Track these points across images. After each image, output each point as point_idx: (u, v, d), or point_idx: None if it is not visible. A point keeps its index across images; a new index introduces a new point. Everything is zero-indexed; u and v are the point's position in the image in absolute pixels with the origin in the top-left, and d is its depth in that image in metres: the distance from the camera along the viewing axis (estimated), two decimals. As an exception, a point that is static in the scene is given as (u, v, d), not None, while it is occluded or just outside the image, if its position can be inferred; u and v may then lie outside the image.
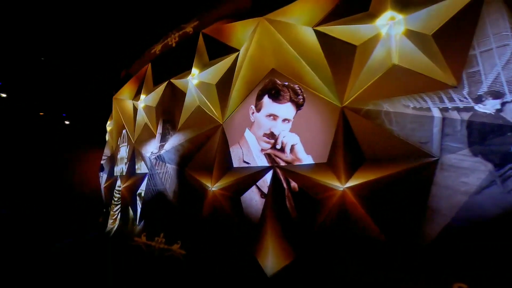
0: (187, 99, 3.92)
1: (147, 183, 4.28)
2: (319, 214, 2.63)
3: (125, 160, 5.44)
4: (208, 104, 3.63)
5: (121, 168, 5.66)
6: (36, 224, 7.35)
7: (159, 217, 4.10)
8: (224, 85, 3.62)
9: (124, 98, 5.58)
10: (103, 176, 6.83)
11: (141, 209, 4.48)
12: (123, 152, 5.67)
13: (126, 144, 5.55)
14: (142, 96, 4.84)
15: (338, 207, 2.53)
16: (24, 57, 7.73)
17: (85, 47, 6.89)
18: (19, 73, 8.51)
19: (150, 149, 4.37)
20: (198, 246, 3.41)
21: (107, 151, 7.02)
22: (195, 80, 3.78)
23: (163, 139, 4.10)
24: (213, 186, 3.27)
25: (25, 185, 9.53)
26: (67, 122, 12.27)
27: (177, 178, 3.84)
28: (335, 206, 2.54)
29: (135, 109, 5.25)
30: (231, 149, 3.36)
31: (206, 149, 3.62)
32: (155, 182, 4.13)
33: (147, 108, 4.77)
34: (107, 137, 7.80)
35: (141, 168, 4.82)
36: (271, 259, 2.79)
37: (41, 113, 11.73)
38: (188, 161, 3.80)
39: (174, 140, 3.91)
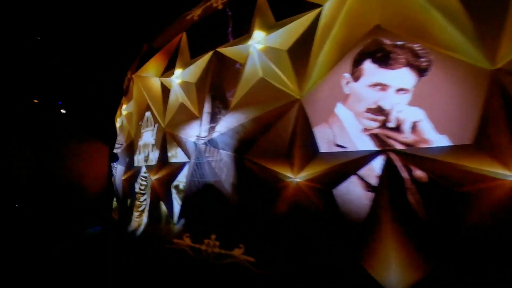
0: (247, 70, 3.17)
1: (190, 174, 3.52)
2: (470, 213, 1.94)
3: (151, 147, 4.66)
4: (280, 74, 2.89)
5: (144, 156, 4.86)
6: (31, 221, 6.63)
7: (208, 214, 3.37)
8: (299, 50, 2.89)
9: (149, 76, 4.76)
10: (118, 167, 6.01)
11: (181, 205, 3.74)
12: (147, 137, 4.90)
13: (152, 128, 4.77)
14: (177, 71, 4.06)
15: (505, 202, 1.84)
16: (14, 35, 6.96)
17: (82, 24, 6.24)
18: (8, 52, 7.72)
19: (193, 132, 3.62)
20: (272, 251, 2.70)
21: (121, 139, 6.20)
22: (259, 46, 3.01)
23: (214, 119, 3.35)
24: (297, 176, 2.54)
25: (18, 179, 8.66)
26: (63, 111, 11.46)
27: (236, 167, 3.12)
28: (498, 201, 1.85)
29: (165, 88, 4.46)
30: (315, 130, 2.65)
31: (277, 131, 2.90)
32: (203, 173, 3.39)
33: (184, 85, 3.99)
34: (120, 123, 6.97)
35: (177, 155, 4.07)
36: (395, 272, 2.12)
37: (35, 101, 10.91)
38: (249, 145, 3.08)
39: (231, 120, 3.17)
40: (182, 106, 4.12)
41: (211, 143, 3.31)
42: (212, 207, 3.37)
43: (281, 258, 2.66)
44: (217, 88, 3.53)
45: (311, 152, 2.66)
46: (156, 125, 4.81)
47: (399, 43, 2.36)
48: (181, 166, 3.91)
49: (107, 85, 9.45)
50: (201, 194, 3.50)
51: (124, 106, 6.04)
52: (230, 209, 3.14)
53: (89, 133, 11.08)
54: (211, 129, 3.36)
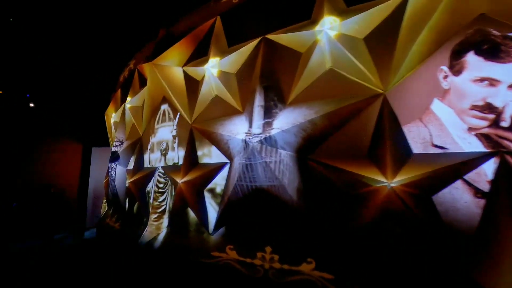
0: (313, 59, 2.80)
1: (237, 177, 3.07)
2: None
3: (170, 145, 4.11)
4: (358, 65, 2.56)
5: (160, 155, 4.29)
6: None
7: (259, 223, 2.93)
8: (379, 39, 2.59)
9: (169, 65, 4.21)
10: (117, 168, 5.32)
11: (220, 211, 3.26)
12: (164, 134, 4.32)
13: (172, 124, 4.21)
14: (213, 60, 3.59)
15: None
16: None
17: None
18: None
19: (237, 129, 3.18)
20: (355, 266, 2.35)
21: (120, 135, 5.50)
22: (332, 32, 2.67)
23: (269, 114, 2.93)
24: (392, 181, 2.23)
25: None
26: (31, 105, 10.46)
27: (300, 169, 2.72)
28: None
29: (191, 79, 3.95)
30: (406, 128, 2.34)
31: (353, 129, 2.57)
32: (254, 176, 2.95)
33: (222, 75, 3.52)
34: (116, 118, 6.24)
35: (211, 155, 3.59)
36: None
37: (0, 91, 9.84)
38: (315, 145, 2.71)
39: (294, 116, 2.78)
40: (217, 100, 3.65)
41: (268, 141, 2.88)
42: (266, 215, 2.93)
43: (369, 274, 2.31)
44: (270, 79, 3.10)
45: (402, 153, 2.35)
46: (176, 120, 4.25)
47: (510, 34, 2.13)
48: (219, 167, 3.43)
49: (80, 80, 8.80)
50: (251, 200, 3.05)
51: (128, 99, 5.35)
52: (293, 217, 2.72)
53: (61, 129, 10.27)
54: (267, 125, 2.94)
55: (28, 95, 10.42)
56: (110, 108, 7.40)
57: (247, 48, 3.39)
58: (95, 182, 10.26)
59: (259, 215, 3.01)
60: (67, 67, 8.91)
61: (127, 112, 5.47)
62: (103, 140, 11.86)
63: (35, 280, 3.95)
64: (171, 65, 4.30)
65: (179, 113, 4.27)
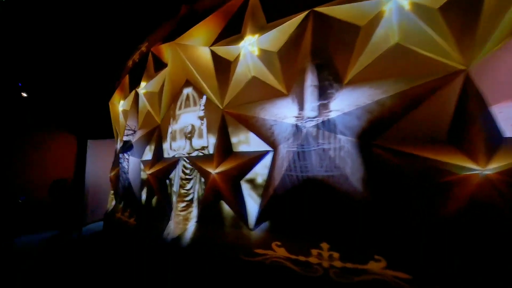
0: (377, 34, 2.48)
1: (286, 166, 2.75)
2: None
3: (200, 127, 3.77)
4: (434, 37, 2.25)
5: (184, 144, 3.94)
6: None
7: (312, 217, 2.64)
8: (457, 9, 2.28)
9: (194, 44, 3.82)
10: (131, 159, 4.94)
11: (264, 204, 2.95)
12: (188, 120, 3.96)
13: (198, 109, 3.85)
14: (250, 38, 3.22)
15: None
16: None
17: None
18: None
19: (283, 112, 2.85)
20: (438, 264, 2.08)
21: (132, 124, 5.11)
22: (402, 1, 2.35)
23: (324, 95, 2.61)
24: (486, 168, 1.95)
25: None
26: (24, 95, 10.02)
27: (363, 157, 2.42)
28: None
29: (221, 59, 3.61)
30: (496, 109, 2.06)
31: (429, 110, 2.27)
32: (306, 165, 2.64)
33: (262, 55, 3.17)
34: (124, 106, 5.82)
35: (249, 142, 3.27)
36: None
37: None
38: (382, 129, 2.40)
39: (355, 97, 2.48)
40: (255, 81, 3.31)
41: (326, 125, 2.57)
42: (320, 208, 2.63)
43: (454, 273, 2.04)
44: (322, 57, 2.77)
45: (492, 137, 2.07)
46: (203, 101, 3.89)
47: None
48: (260, 155, 3.11)
49: (75, 69, 8.47)
50: (302, 191, 2.75)
51: (143, 84, 4.94)
52: (356, 210, 2.43)
53: (54, 121, 9.90)
54: (323, 107, 2.62)
55: (20, 84, 9.95)
56: (116, 96, 6.96)
57: (292, 23, 3.04)
58: (91, 177, 9.84)
59: (312, 208, 2.71)
60: (60, 55, 8.53)
61: (141, 98, 5.06)
62: (100, 132, 11.41)
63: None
64: (197, 44, 3.90)
65: (204, 96, 3.90)
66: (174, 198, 4.09)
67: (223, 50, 3.69)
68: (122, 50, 8.67)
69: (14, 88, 9.64)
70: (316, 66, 2.80)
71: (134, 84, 5.82)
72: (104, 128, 11.26)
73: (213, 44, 3.86)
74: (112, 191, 7.10)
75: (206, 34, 3.92)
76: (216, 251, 3.31)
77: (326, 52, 2.83)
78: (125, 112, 6.20)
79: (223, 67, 3.70)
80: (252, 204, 3.20)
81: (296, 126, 2.77)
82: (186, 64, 4.02)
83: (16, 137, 8.78)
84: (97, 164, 11.67)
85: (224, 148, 3.48)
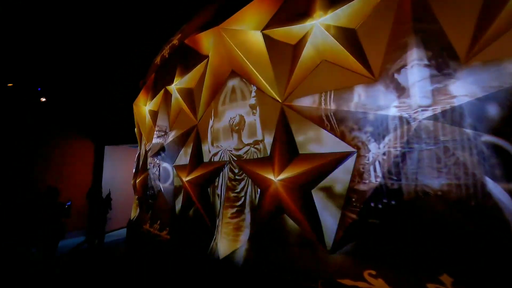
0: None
1: (380, 172, 2.08)
2: None
3: (250, 126, 3.15)
4: None
5: (230, 138, 3.34)
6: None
7: (422, 239, 1.94)
8: None
9: (244, 29, 3.24)
10: (163, 165, 4.37)
11: (350, 221, 2.27)
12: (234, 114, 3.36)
13: (249, 102, 3.24)
14: (322, 15, 2.59)
15: None
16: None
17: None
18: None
19: (380, 102, 2.19)
20: None
21: (163, 124, 4.56)
22: None
23: (438, 76, 1.94)
24: None
25: None
26: (43, 99, 9.81)
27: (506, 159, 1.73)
28: None
29: (279, 44, 2.99)
30: None
31: None
32: (415, 170, 1.98)
33: (339, 33, 2.54)
34: (152, 106, 5.31)
35: (321, 141, 2.61)
36: None
37: (10, 84, 9.18)
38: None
39: (490, 77, 1.78)
40: (326, 67, 2.66)
41: (447, 116, 1.89)
42: (437, 227, 1.94)
43: None
44: (428, 27, 2.10)
45: None
46: (253, 92, 3.29)
47: None
48: (339, 158, 2.44)
49: (93, 74, 8.23)
50: (409, 206, 2.05)
51: (178, 80, 4.40)
52: (490, 232, 1.72)
53: (74, 127, 9.73)
54: (439, 92, 1.93)
55: (39, 88, 9.80)
56: (142, 96, 6.48)
57: (376, -6, 2.39)
58: (108, 183, 9.52)
59: (424, 228, 2.01)
60: (79, 61, 8.34)
61: (175, 96, 4.51)
62: (117, 137, 11.12)
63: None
64: (246, 29, 3.32)
65: (254, 88, 3.30)
66: (220, 206, 3.47)
67: (281, 33, 3.09)
68: (142, 49, 8.30)
69: (33, 93, 9.48)
70: (422, 40, 2.13)
71: (163, 81, 5.32)
72: (120, 133, 10.97)
73: (266, 28, 3.27)
74: (136, 199, 6.58)
75: (256, 17, 3.35)
76: (278, 277, 2.65)
77: (433, 21, 2.17)
78: (152, 113, 5.70)
79: (281, 53, 3.11)
80: (329, 219, 2.54)
81: (400, 118, 2.10)
82: (233, 52, 3.45)
83: (31, 142, 8.53)
84: (113, 170, 11.40)
85: (287, 149, 2.84)
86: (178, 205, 4.44)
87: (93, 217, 6.61)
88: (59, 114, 9.79)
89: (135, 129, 8.08)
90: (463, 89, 1.96)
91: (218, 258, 3.23)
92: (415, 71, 2.12)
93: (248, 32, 3.36)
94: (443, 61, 2.09)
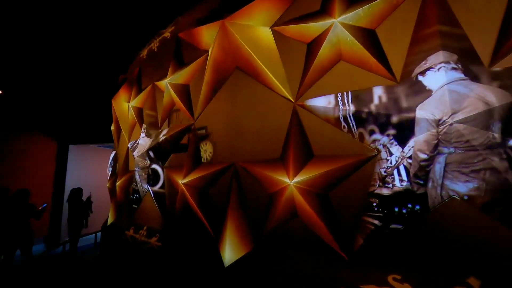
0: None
1: (408, 172, 2.10)
2: None
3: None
4: None
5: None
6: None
7: (447, 240, 1.99)
8: None
9: (252, 25, 3.15)
10: (150, 166, 4.13)
11: (377, 225, 2.26)
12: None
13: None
14: (342, 14, 2.58)
15: None
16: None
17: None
18: None
19: (404, 104, 2.21)
20: None
21: (152, 121, 4.32)
22: None
23: (473, 77, 2.00)
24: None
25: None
26: None
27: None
28: None
29: (288, 42, 2.94)
30: None
31: None
32: (444, 171, 2.00)
33: (359, 33, 2.54)
34: (137, 103, 4.99)
35: (342, 144, 2.59)
36: None
37: None
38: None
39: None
40: (342, 67, 2.65)
41: (476, 120, 1.93)
42: (463, 227, 1.98)
43: None
44: (451, 31, 2.16)
45: None
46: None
47: None
48: (358, 161, 2.41)
49: (57, 67, 7.72)
50: (433, 210, 2.07)
51: (172, 75, 4.15)
52: None
53: (34, 124, 9.11)
54: (468, 96, 1.98)
55: None
56: (123, 92, 6.06)
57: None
58: (72, 185, 8.93)
59: (449, 232, 2.03)
60: (40, 52, 7.68)
61: (168, 91, 4.24)
62: (83, 136, 10.45)
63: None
64: (256, 25, 3.20)
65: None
66: (224, 210, 3.29)
67: (293, 30, 3.01)
68: (115, 41, 7.81)
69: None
70: (447, 43, 2.17)
71: (151, 76, 5.00)
72: (86, 131, 10.33)
73: (276, 24, 3.18)
74: (113, 204, 6.11)
75: (265, 12, 3.25)
76: (293, 286, 2.55)
77: (456, 25, 2.21)
78: (137, 110, 5.33)
79: (293, 52, 3.03)
80: (348, 224, 2.48)
81: (428, 121, 2.11)
82: (239, 48, 3.31)
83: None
84: (78, 171, 10.74)
85: (302, 151, 2.75)
86: (171, 210, 4.15)
87: (73, 221, 6.40)
88: (17, 109, 8.96)
89: (112, 127, 7.56)
90: (490, 93, 2.00)
91: (223, 266, 3.04)
92: (442, 74, 2.14)
93: (256, 27, 3.24)
94: (469, 65, 2.13)
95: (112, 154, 8.52)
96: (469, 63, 2.14)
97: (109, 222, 6.10)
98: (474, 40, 2.18)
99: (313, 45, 2.88)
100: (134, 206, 5.01)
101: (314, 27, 2.88)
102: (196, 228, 3.67)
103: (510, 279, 1.88)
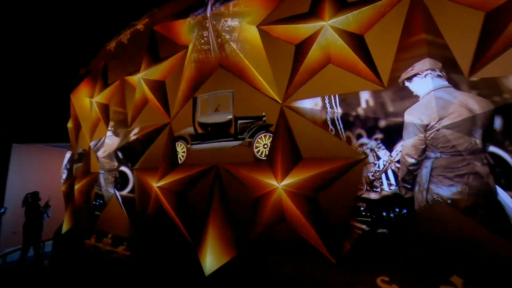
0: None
1: (395, 177, 2.20)
2: None
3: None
4: None
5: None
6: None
7: (432, 241, 2.12)
8: None
9: (237, 21, 3.10)
10: (119, 168, 3.89)
11: (365, 230, 2.33)
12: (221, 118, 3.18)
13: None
14: (332, 17, 2.64)
15: None
16: None
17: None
18: None
19: (399, 108, 2.32)
20: None
21: (120, 118, 4.05)
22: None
23: (456, 85, 2.16)
24: None
25: None
26: None
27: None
28: None
29: (275, 42, 2.94)
30: None
31: None
32: (435, 175, 2.13)
33: (349, 38, 2.62)
34: (101, 98, 4.64)
35: (329, 147, 2.63)
36: None
37: None
38: None
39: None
40: (330, 70, 2.69)
41: (461, 126, 2.07)
42: (449, 233, 2.11)
43: None
44: (435, 40, 2.31)
45: None
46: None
47: None
48: (346, 164, 2.46)
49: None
50: (419, 213, 2.17)
51: (145, 71, 3.89)
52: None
53: None
54: (452, 103, 2.12)
55: None
56: (84, 86, 5.57)
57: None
58: (15, 189, 8.11)
59: (434, 234, 2.14)
60: None
61: (141, 87, 3.96)
62: (28, 134, 9.68)
63: None
64: (241, 22, 3.13)
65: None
66: (205, 215, 3.12)
67: (281, 30, 2.99)
68: (74, 31, 7.24)
69: None
70: (433, 52, 2.29)
71: (120, 70, 4.65)
72: (32, 129, 9.52)
73: (262, 23, 3.13)
74: (69, 209, 5.54)
75: (252, 10, 3.17)
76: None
77: (438, 35, 2.36)
78: (102, 106, 4.91)
79: (280, 52, 3.01)
80: (336, 227, 2.49)
81: (416, 125, 2.20)
82: (224, 45, 3.17)
83: None
84: (22, 173, 9.77)
85: (290, 153, 2.72)
86: (142, 215, 3.85)
87: (28, 227, 6.12)
88: None
89: (69, 124, 6.91)
90: (472, 101, 2.14)
91: (203, 274, 2.87)
92: (429, 80, 2.25)
93: (242, 25, 3.15)
94: (451, 74, 2.27)
95: (68, 155, 7.78)
96: (451, 72, 2.27)
97: (64, 229, 5.51)
98: (454, 51, 2.33)
99: (302, 46, 2.87)
100: (96, 213, 4.57)
101: (303, 29, 2.87)
102: (171, 234, 3.43)
103: (490, 277, 2.00)
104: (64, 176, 7.65)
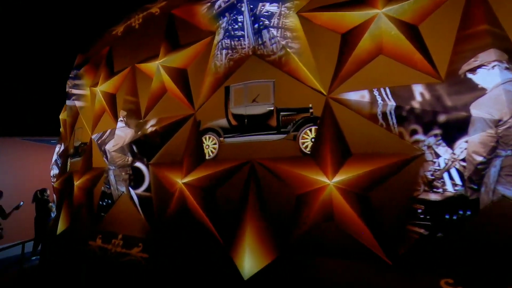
0: None
1: (463, 175, 2.12)
2: None
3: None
4: None
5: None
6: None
7: (501, 240, 2.07)
8: None
9: (275, 5, 2.96)
10: (133, 164, 3.63)
11: (424, 234, 2.24)
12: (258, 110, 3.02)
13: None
14: (386, 6, 2.54)
15: None
16: None
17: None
18: None
19: (461, 102, 2.25)
20: None
21: (133, 109, 3.81)
22: None
23: None
24: None
25: None
26: None
27: None
28: None
29: (318, 30, 2.81)
30: None
31: None
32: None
33: (404, 28, 2.52)
34: (107, 88, 4.36)
35: (381, 143, 2.53)
36: None
37: None
38: None
39: None
40: (381, 61, 2.58)
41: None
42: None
43: None
44: (497, 32, 2.26)
45: None
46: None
47: None
48: (401, 161, 2.36)
49: None
50: (484, 215, 2.10)
51: (164, 58, 3.64)
52: None
53: None
54: None
55: None
56: (85, 74, 5.20)
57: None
58: None
59: (501, 236, 2.07)
60: None
61: (160, 76, 3.71)
62: (6, 127, 9.29)
63: None
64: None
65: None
66: (240, 214, 2.94)
67: (325, 18, 2.85)
68: (70, 13, 6.86)
69: None
70: (497, 43, 2.22)
71: (130, 57, 4.36)
72: (11, 122, 9.07)
73: (303, 10, 2.98)
74: (65, 207, 5.16)
75: (290, -5, 3.01)
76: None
77: (500, 27, 2.30)
78: (108, 96, 4.59)
79: (323, 41, 2.86)
80: (390, 230, 2.38)
81: (485, 120, 2.13)
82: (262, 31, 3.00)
83: None
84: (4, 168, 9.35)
85: (338, 149, 2.59)
86: (160, 214, 3.60)
87: (39, 223, 6.31)
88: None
89: (61, 115, 6.48)
90: (542, 96, 2.08)
91: (241, 278, 2.69)
92: (497, 72, 2.17)
93: (281, 10, 2.98)
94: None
95: (58, 149, 7.31)
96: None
97: (59, 230, 5.13)
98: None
99: (350, 35, 2.74)
100: (102, 214, 4.25)
101: (351, 16, 2.75)
102: (197, 235, 3.22)
103: None
104: (53, 171, 7.18)
